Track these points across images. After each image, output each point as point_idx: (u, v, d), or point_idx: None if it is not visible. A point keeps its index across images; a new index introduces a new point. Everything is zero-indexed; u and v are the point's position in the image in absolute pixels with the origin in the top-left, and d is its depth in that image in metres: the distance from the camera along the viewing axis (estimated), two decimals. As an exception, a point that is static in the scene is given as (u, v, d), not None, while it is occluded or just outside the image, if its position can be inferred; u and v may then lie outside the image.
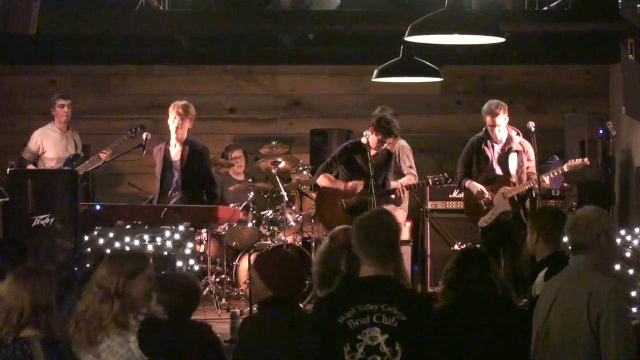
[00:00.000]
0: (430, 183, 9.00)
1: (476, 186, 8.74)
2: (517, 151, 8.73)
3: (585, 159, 8.83)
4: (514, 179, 8.68)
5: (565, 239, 5.57)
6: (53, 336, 4.59)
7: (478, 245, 8.59)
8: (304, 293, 9.35)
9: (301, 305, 9.00)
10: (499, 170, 8.76)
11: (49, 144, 9.83)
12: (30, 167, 9.72)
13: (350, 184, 8.77)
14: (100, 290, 4.59)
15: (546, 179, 8.68)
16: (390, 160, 8.94)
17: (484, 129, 8.84)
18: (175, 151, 9.01)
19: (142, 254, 4.99)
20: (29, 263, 5.18)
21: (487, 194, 8.69)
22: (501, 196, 8.66)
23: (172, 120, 8.89)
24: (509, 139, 8.73)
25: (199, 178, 9.08)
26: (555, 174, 8.86)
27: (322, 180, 8.96)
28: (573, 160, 8.85)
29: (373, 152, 8.77)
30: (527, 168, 8.70)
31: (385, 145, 8.75)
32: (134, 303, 4.64)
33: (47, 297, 4.60)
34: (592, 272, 4.46)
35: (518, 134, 8.79)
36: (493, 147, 8.76)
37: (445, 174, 8.94)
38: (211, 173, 9.29)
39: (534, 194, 8.60)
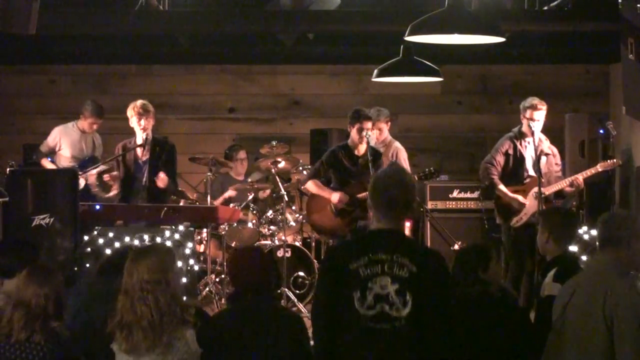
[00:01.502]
0: (416, 179, 8.90)
1: (516, 198, 8.74)
2: (547, 154, 8.79)
3: (618, 160, 8.93)
4: (544, 181, 8.70)
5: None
6: (58, 329, 4.75)
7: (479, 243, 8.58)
8: (303, 294, 9.41)
9: (301, 305, 9.03)
10: (531, 172, 8.79)
11: (67, 142, 9.77)
12: (45, 161, 9.62)
13: (335, 200, 8.73)
14: (149, 294, 4.49)
15: (580, 178, 8.74)
16: (379, 159, 8.86)
17: (516, 128, 8.84)
18: (142, 151, 9.01)
19: (162, 244, 4.97)
20: (42, 261, 5.21)
21: (525, 203, 8.71)
22: (533, 197, 8.67)
23: (136, 122, 8.91)
24: (540, 142, 8.75)
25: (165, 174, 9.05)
26: (589, 173, 8.90)
27: (311, 187, 8.97)
28: (606, 161, 8.91)
29: (362, 149, 8.71)
30: (556, 172, 8.77)
31: (365, 132, 8.67)
32: (181, 295, 4.60)
33: (61, 293, 4.81)
34: (612, 271, 4.49)
35: (546, 139, 8.85)
36: (526, 147, 8.78)
37: (432, 168, 8.85)
38: (174, 166, 9.23)
39: (540, 193, 8.61)
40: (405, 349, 4.07)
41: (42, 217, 7.76)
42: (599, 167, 8.89)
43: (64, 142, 9.75)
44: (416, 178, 8.82)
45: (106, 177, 9.10)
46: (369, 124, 8.69)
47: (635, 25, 8.49)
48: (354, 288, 4.10)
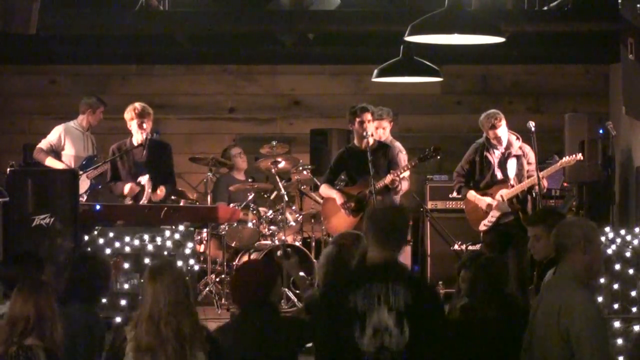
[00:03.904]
0: (418, 161, 8.82)
1: (483, 200, 8.72)
2: (516, 156, 8.73)
3: (579, 155, 8.85)
4: (513, 183, 8.69)
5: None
6: (55, 346, 4.64)
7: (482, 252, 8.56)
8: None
9: (301, 305, 9.03)
10: (500, 175, 8.76)
11: (70, 141, 9.73)
12: (52, 160, 9.56)
13: (339, 202, 8.73)
14: (174, 317, 4.36)
15: (544, 181, 8.68)
16: (387, 151, 8.85)
17: (484, 135, 8.82)
18: (141, 153, 9.02)
19: (170, 260, 4.90)
20: (33, 277, 5.17)
21: (493, 205, 8.68)
22: (500, 199, 8.66)
23: (136, 125, 8.91)
24: (509, 144, 8.73)
25: (161, 175, 9.07)
26: (551, 171, 8.86)
27: (323, 191, 9.01)
28: (567, 157, 8.87)
29: (365, 143, 8.68)
30: (528, 171, 8.70)
31: (366, 124, 8.66)
32: (197, 317, 4.54)
33: (51, 309, 4.66)
34: (567, 282, 4.45)
35: (518, 138, 8.79)
36: (494, 152, 8.77)
37: (432, 148, 8.81)
38: (173, 170, 9.26)
39: (534, 194, 8.60)
40: None
41: (42, 217, 7.75)
42: (558, 165, 8.85)
43: (67, 142, 9.71)
44: (417, 161, 8.77)
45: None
46: (368, 116, 8.70)
47: (635, 25, 8.50)
48: (354, 322, 4.14)
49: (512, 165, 8.73)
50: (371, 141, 8.70)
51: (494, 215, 8.71)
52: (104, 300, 7.11)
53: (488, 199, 8.72)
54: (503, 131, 8.70)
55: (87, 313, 5.23)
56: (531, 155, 8.74)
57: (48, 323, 4.63)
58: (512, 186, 8.67)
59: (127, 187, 8.94)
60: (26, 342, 4.60)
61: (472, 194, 8.81)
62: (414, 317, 4.12)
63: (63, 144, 9.67)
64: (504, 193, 8.66)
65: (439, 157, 8.88)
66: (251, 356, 4.68)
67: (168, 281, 4.43)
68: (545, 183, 8.78)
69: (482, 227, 8.81)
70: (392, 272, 4.21)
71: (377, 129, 9.28)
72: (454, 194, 10.07)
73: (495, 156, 8.76)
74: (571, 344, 4.31)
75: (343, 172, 8.94)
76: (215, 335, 4.62)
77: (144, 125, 8.90)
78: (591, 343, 4.28)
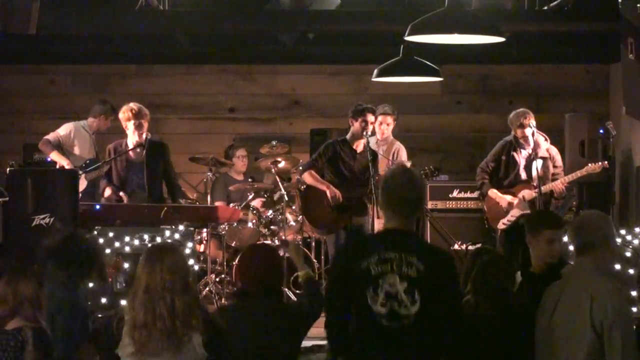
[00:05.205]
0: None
1: (504, 198, 8.75)
2: (542, 158, 8.75)
3: (605, 162, 8.88)
4: (535, 183, 8.70)
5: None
6: (41, 327, 4.69)
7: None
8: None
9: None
10: (524, 176, 8.81)
11: (79, 142, 9.68)
12: (55, 154, 9.49)
13: (330, 194, 8.66)
14: (168, 294, 4.38)
15: (560, 185, 8.71)
16: (376, 160, 8.82)
17: (512, 133, 8.85)
18: (137, 153, 9.00)
19: (175, 244, 4.91)
20: (16, 264, 5.18)
21: (514, 203, 8.71)
22: (522, 199, 8.69)
23: (133, 125, 8.89)
24: (536, 145, 8.74)
25: (162, 175, 9.07)
26: (574, 177, 8.87)
27: (308, 178, 8.83)
28: (592, 164, 8.88)
29: (361, 146, 8.70)
30: (553, 174, 8.74)
31: (370, 124, 8.67)
32: (197, 299, 4.55)
33: (30, 293, 4.69)
34: (594, 274, 4.49)
35: (546, 139, 8.83)
36: (521, 152, 8.80)
37: (432, 167, 8.84)
38: (173, 167, 9.24)
39: (535, 194, 8.61)
40: (414, 347, 4.12)
41: (42, 217, 7.75)
42: (584, 171, 8.83)
43: (76, 142, 9.67)
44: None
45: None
46: (372, 117, 8.70)
47: (635, 25, 8.50)
48: (367, 285, 4.15)
49: (539, 166, 8.73)
50: (361, 146, 8.68)
51: (513, 215, 8.74)
52: (104, 300, 7.17)
53: (509, 197, 8.75)
54: (530, 131, 8.71)
55: (69, 293, 5.19)
56: (558, 158, 8.82)
57: (27, 304, 4.67)
58: (534, 187, 8.68)
59: (107, 191, 8.96)
60: (13, 324, 4.65)
61: (493, 192, 8.84)
62: (426, 286, 4.11)
63: (72, 142, 9.64)
64: (526, 193, 8.68)
65: (436, 177, 8.94)
66: (254, 340, 4.69)
67: (169, 261, 4.45)
68: (563, 188, 8.78)
69: (500, 226, 8.83)
70: (406, 242, 4.21)
71: (380, 125, 9.29)
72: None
73: (522, 156, 8.79)
74: (602, 335, 4.36)
75: (327, 165, 8.82)
76: (214, 317, 4.64)
77: (144, 126, 8.90)
78: (623, 333, 4.35)
